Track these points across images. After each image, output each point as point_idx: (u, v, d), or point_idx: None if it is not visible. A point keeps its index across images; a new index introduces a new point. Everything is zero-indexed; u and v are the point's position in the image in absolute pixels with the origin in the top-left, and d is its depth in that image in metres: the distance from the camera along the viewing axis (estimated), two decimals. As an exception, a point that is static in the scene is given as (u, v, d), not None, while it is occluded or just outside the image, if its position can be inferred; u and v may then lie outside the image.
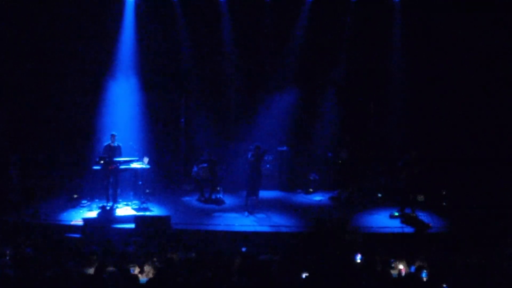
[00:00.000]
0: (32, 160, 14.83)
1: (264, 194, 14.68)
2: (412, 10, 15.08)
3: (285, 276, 8.12)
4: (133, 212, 13.37)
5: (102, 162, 13.26)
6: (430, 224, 12.45)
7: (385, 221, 12.99)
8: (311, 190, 15.85)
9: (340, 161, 15.08)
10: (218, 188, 14.94)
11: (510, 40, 14.27)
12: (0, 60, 14.29)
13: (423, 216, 13.01)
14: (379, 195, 14.90)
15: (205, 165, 14.79)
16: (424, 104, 15.24)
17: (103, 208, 13.40)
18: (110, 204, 13.54)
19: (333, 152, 15.53)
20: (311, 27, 15.75)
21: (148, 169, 14.11)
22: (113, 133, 13.73)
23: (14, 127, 14.63)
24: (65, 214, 13.23)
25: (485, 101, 14.71)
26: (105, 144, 13.71)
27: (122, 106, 15.58)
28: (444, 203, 13.92)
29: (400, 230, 12.26)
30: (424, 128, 15.18)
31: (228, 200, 14.81)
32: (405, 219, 12.85)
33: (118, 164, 13.40)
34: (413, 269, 8.87)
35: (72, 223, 12.57)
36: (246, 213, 13.41)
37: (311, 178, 15.98)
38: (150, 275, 9.03)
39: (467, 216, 13.06)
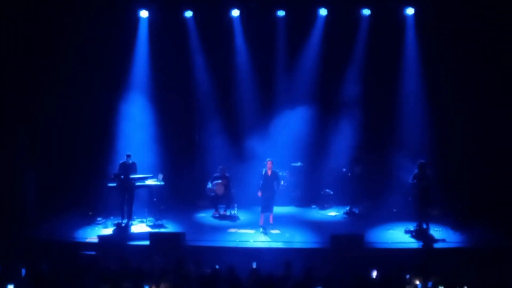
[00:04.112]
0: (48, 177, 14.94)
1: (278, 210, 14.66)
2: (426, 24, 15.07)
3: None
4: (148, 229, 13.41)
5: (117, 179, 13.38)
6: (438, 240, 12.38)
7: (400, 236, 12.91)
8: (326, 205, 15.79)
9: (353, 176, 14.98)
10: (233, 204, 14.96)
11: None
12: (16, 79, 14.42)
13: (438, 231, 12.94)
14: (394, 210, 14.80)
15: (219, 181, 14.84)
16: (440, 118, 15.17)
17: (118, 225, 13.48)
18: (125, 221, 13.62)
19: (347, 167, 15.47)
20: (324, 43, 15.81)
21: (162, 185, 14.17)
22: (128, 154, 13.86)
23: (30, 144, 14.72)
24: (80, 231, 13.31)
25: (501, 113, 14.54)
26: (121, 162, 13.84)
27: (137, 123, 15.67)
28: (459, 218, 13.74)
29: (416, 246, 12.20)
30: (440, 143, 15.06)
31: (243, 216, 14.81)
32: (414, 233, 12.80)
33: (133, 181, 13.49)
34: (430, 284, 8.78)
35: (88, 240, 12.67)
36: (261, 229, 13.39)
37: (326, 193, 15.91)
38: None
39: (483, 231, 12.94)
